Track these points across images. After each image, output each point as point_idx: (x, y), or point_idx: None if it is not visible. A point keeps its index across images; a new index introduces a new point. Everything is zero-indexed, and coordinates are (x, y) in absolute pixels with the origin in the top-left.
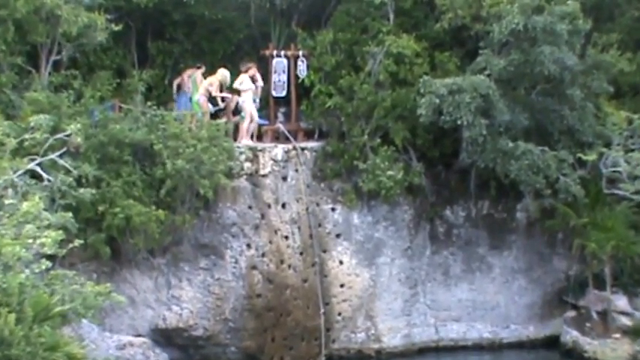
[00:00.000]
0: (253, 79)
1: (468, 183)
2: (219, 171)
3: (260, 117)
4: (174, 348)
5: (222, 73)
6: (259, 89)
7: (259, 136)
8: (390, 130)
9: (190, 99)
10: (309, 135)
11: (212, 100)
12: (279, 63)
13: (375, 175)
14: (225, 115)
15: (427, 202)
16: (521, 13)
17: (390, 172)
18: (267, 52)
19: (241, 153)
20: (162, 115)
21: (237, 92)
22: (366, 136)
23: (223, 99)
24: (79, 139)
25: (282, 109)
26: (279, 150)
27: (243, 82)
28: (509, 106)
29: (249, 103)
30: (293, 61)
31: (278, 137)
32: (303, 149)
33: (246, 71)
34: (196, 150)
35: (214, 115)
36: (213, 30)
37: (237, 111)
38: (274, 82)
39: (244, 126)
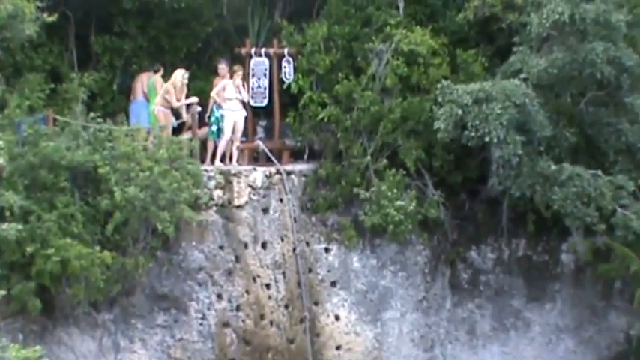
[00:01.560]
0: (240, 89)
1: (499, 216)
2: (182, 201)
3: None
4: None
5: (176, 76)
6: (242, 101)
7: (232, 157)
8: (400, 149)
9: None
10: (296, 155)
11: (175, 111)
12: (259, 64)
13: (380, 207)
14: (189, 130)
15: (447, 241)
16: (566, 0)
17: (399, 203)
18: (244, 51)
19: (210, 178)
20: (110, 130)
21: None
22: (368, 157)
23: (188, 108)
24: (1, 161)
25: (263, 123)
26: (258, 174)
27: (226, 88)
28: (552, 119)
29: (229, 118)
30: (276, 61)
31: (257, 158)
32: (289, 173)
33: (231, 76)
34: (153, 174)
35: (177, 130)
36: (175, 22)
37: (203, 122)
38: (252, 89)
39: (220, 146)
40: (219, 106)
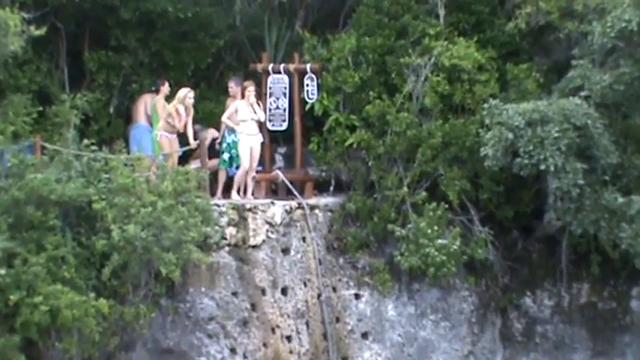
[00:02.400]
0: (255, 108)
1: (558, 257)
2: (190, 241)
3: None
4: None
5: (180, 96)
6: (259, 123)
7: (247, 189)
8: (441, 179)
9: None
10: (321, 187)
11: (182, 137)
12: (278, 82)
13: (418, 246)
14: (197, 159)
15: (497, 286)
16: (635, 6)
17: (441, 241)
18: (260, 67)
19: (222, 214)
20: (106, 160)
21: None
22: (405, 188)
23: (195, 135)
24: None
25: (282, 149)
26: (277, 209)
27: (239, 110)
28: (618, 143)
29: (245, 144)
30: (297, 78)
31: (276, 190)
32: (312, 208)
33: (241, 95)
34: (156, 210)
35: (183, 159)
36: (181, 34)
37: (214, 151)
38: (270, 110)
39: (237, 177)
40: (230, 132)
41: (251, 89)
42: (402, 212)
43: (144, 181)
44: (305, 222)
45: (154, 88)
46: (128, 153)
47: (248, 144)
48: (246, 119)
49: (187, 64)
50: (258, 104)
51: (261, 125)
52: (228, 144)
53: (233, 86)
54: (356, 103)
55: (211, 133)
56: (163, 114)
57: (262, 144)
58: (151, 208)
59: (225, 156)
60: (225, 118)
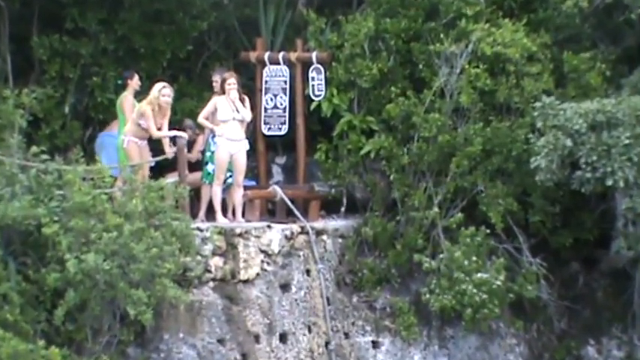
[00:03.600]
0: (237, 106)
1: (629, 296)
2: (165, 274)
3: (247, 178)
4: None
5: (155, 93)
6: (244, 124)
7: (236, 210)
8: (481, 196)
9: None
10: (330, 207)
11: (155, 144)
12: (275, 75)
13: (453, 281)
14: (174, 172)
15: (552, 332)
16: None
17: (480, 276)
18: (253, 56)
19: (205, 240)
20: (60, 172)
21: (201, 128)
22: (435, 209)
23: (174, 141)
24: None
25: (281, 160)
26: (274, 235)
27: (218, 109)
28: None
29: (223, 150)
30: (301, 70)
31: (273, 211)
32: (319, 233)
33: (222, 90)
34: (122, 235)
35: (156, 171)
36: (154, 15)
37: (196, 162)
38: (266, 110)
39: (214, 193)
40: (214, 136)
41: (231, 82)
42: (431, 239)
43: (107, 199)
44: (310, 251)
45: (119, 82)
46: (88, 164)
47: (227, 151)
48: (226, 119)
49: (162, 52)
50: (243, 100)
51: (248, 127)
52: (212, 153)
53: (218, 80)
54: (374, 102)
55: (199, 141)
56: (132, 115)
57: (252, 153)
58: (115, 233)
59: (210, 167)
60: (201, 117)
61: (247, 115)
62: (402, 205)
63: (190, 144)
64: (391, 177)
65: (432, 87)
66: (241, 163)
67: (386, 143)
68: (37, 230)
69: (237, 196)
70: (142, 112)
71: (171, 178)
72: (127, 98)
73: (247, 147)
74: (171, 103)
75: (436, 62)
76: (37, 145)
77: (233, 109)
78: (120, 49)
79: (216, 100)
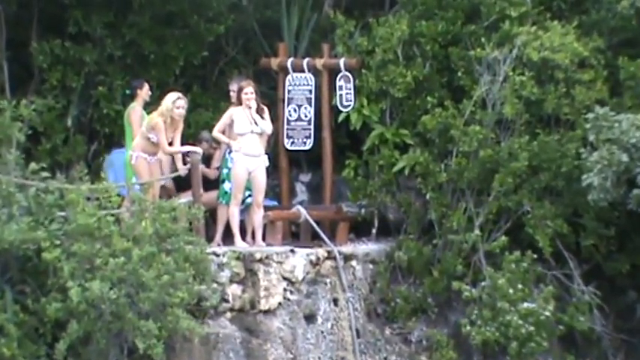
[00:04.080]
0: (255, 117)
1: None
2: (178, 303)
3: (267, 198)
4: None
5: (166, 104)
6: (264, 138)
7: (255, 233)
8: (527, 218)
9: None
10: (359, 229)
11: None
12: (299, 84)
13: (496, 311)
14: (188, 190)
15: None
16: None
17: (527, 305)
18: (275, 62)
19: (222, 267)
20: (62, 191)
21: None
22: (477, 231)
23: (185, 159)
24: None
25: (305, 177)
26: (298, 260)
27: (235, 121)
28: None
29: (241, 166)
30: (327, 79)
31: (297, 234)
32: (348, 258)
33: (238, 100)
34: (131, 261)
35: (167, 189)
36: (166, 18)
37: (214, 180)
38: (289, 123)
39: (232, 211)
40: (231, 152)
41: (248, 91)
42: (472, 264)
43: (114, 221)
44: (337, 278)
45: (128, 92)
46: (93, 182)
47: (245, 167)
48: (243, 133)
49: (174, 58)
50: (261, 111)
51: (269, 141)
52: (230, 170)
53: (236, 89)
54: (408, 113)
55: (216, 157)
56: (141, 128)
57: (273, 169)
58: (123, 259)
59: (227, 186)
60: (216, 131)
61: (267, 127)
62: (440, 227)
63: (207, 159)
64: (427, 196)
65: (473, 96)
66: (260, 180)
67: (421, 159)
68: (36, 255)
69: (257, 218)
70: (152, 125)
71: (184, 198)
72: (135, 110)
73: (267, 163)
74: (184, 115)
75: (477, 69)
76: (36, 162)
77: (251, 122)
78: (128, 56)
79: (232, 112)
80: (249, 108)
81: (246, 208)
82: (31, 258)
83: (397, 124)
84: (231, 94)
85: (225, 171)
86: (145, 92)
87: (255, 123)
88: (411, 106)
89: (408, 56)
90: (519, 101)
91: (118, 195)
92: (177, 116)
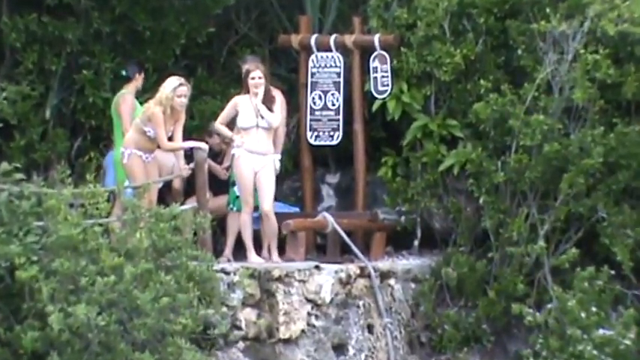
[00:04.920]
0: (260, 108)
1: None
2: (180, 331)
3: (280, 200)
4: None
5: (168, 92)
6: (272, 132)
7: (272, 246)
8: (603, 226)
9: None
10: (399, 240)
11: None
12: (325, 65)
13: (565, 340)
14: (193, 196)
15: None
16: None
17: (603, 332)
18: (296, 40)
19: (233, 286)
20: (39, 196)
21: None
22: (541, 242)
23: (189, 158)
24: None
25: (333, 178)
26: (325, 279)
27: (239, 112)
28: None
29: (246, 166)
30: (359, 59)
31: (323, 246)
32: (385, 276)
33: (244, 86)
34: (123, 280)
35: (165, 192)
36: None
37: (219, 181)
38: (312, 111)
39: (244, 220)
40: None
41: (256, 75)
42: (536, 283)
43: (102, 232)
44: (372, 300)
45: (124, 74)
46: (77, 186)
47: (250, 166)
48: (247, 127)
49: (175, 35)
50: (271, 100)
51: (289, 135)
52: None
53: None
54: (457, 100)
55: (228, 153)
56: (134, 120)
57: (295, 169)
58: (114, 277)
59: (236, 190)
60: (218, 123)
61: (274, 120)
62: (496, 238)
63: (216, 156)
64: (481, 200)
65: (535, 79)
66: (266, 183)
67: (473, 155)
68: (8, 274)
69: (268, 228)
70: (149, 116)
71: (188, 204)
72: (124, 98)
73: (278, 165)
74: (187, 104)
75: (540, 46)
76: (8, 161)
77: (257, 114)
78: (118, 33)
79: (237, 101)
80: (256, 96)
81: (261, 216)
82: (3, 277)
83: (444, 114)
84: (244, 78)
85: (234, 173)
86: (140, 78)
87: (259, 114)
88: (460, 91)
89: (457, 31)
90: (592, 85)
91: (108, 201)
92: (179, 106)
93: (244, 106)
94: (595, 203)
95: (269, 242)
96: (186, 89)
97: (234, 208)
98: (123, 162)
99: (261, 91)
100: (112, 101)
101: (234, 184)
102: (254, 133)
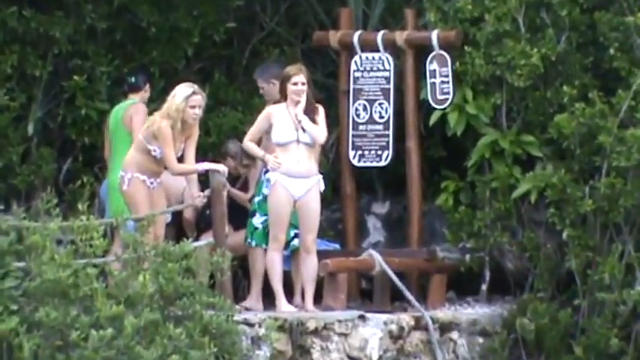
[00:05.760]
0: (302, 120)
1: None
2: None
3: (324, 239)
4: None
5: (179, 102)
6: (316, 150)
7: (306, 292)
8: None
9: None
10: (463, 284)
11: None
12: (371, 68)
13: None
14: (208, 230)
15: None
16: None
17: None
18: (335, 37)
19: (259, 340)
20: (20, 231)
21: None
22: (639, 286)
23: (203, 184)
24: None
25: (381, 208)
26: (371, 331)
27: (274, 125)
28: None
29: (282, 190)
30: (413, 61)
31: (369, 291)
32: (447, 327)
33: (282, 94)
34: (123, 333)
35: (176, 225)
36: None
37: (241, 211)
38: (355, 125)
39: (271, 259)
40: (267, 171)
41: (299, 80)
42: (634, 337)
43: (97, 275)
44: (431, 357)
45: (132, 82)
46: (66, 217)
47: (288, 194)
48: (285, 142)
49: (186, 33)
50: (314, 111)
51: (326, 154)
52: (266, 197)
53: (266, 86)
54: (534, 111)
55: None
56: (140, 134)
57: (334, 195)
58: (111, 330)
59: (257, 221)
60: (248, 140)
61: (320, 134)
62: (584, 282)
63: (233, 182)
64: (564, 234)
65: (632, 85)
66: (311, 213)
67: (555, 179)
68: None
69: (308, 269)
70: (154, 132)
71: (202, 240)
72: (137, 108)
73: (323, 187)
74: (200, 116)
75: (638, 44)
76: None
77: (297, 127)
78: (117, 30)
79: (271, 111)
80: (296, 105)
81: (292, 255)
82: None
83: (518, 128)
84: (261, 90)
85: (257, 199)
86: (148, 87)
87: (303, 129)
88: (538, 100)
89: (534, 26)
90: None
91: (104, 236)
92: (192, 119)
93: (281, 117)
94: None
95: (304, 286)
96: (200, 98)
97: (254, 243)
98: (122, 188)
99: (303, 99)
100: (108, 114)
101: (253, 213)
102: (294, 151)
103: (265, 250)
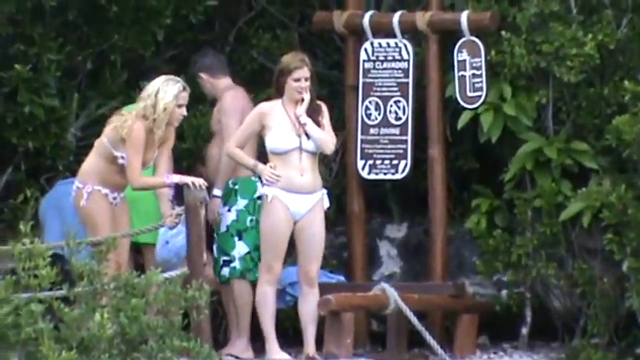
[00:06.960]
0: (315, 116)
1: None
2: None
3: (326, 269)
4: None
5: (167, 99)
6: (316, 158)
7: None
8: None
9: None
10: (498, 326)
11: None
12: (385, 56)
13: None
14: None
15: None
16: None
17: None
18: (340, 20)
19: None
20: None
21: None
22: None
23: (177, 199)
24: None
25: (398, 231)
26: None
27: (267, 128)
28: None
29: (278, 209)
30: (436, 49)
31: (381, 335)
32: None
33: (276, 89)
34: None
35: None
36: None
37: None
38: (364, 127)
39: (262, 294)
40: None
41: (302, 75)
42: None
43: (43, 313)
44: None
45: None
46: (6, 242)
47: (289, 214)
48: (284, 150)
49: (155, 13)
50: (317, 111)
51: (329, 164)
52: (252, 218)
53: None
54: (588, 111)
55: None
56: (105, 140)
57: (338, 215)
58: None
59: (242, 249)
60: (233, 146)
61: (329, 141)
62: None
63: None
64: (624, 266)
65: None
66: (315, 237)
67: (614, 197)
68: None
69: (308, 307)
70: (123, 135)
71: (175, 270)
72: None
73: (327, 204)
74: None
75: None
76: None
77: (298, 130)
78: (69, 8)
79: (263, 111)
80: (299, 105)
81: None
82: None
83: (567, 133)
84: (208, 89)
85: (248, 219)
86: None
87: (305, 134)
88: (593, 98)
89: (589, 6)
90: None
91: (52, 264)
92: (178, 121)
93: (277, 118)
94: None
95: (304, 328)
96: (187, 96)
97: (238, 276)
98: (80, 204)
99: (307, 97)
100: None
101: (239, 236)
102: (295, 161)
103: (252, 284)
